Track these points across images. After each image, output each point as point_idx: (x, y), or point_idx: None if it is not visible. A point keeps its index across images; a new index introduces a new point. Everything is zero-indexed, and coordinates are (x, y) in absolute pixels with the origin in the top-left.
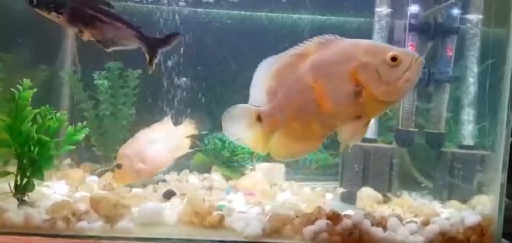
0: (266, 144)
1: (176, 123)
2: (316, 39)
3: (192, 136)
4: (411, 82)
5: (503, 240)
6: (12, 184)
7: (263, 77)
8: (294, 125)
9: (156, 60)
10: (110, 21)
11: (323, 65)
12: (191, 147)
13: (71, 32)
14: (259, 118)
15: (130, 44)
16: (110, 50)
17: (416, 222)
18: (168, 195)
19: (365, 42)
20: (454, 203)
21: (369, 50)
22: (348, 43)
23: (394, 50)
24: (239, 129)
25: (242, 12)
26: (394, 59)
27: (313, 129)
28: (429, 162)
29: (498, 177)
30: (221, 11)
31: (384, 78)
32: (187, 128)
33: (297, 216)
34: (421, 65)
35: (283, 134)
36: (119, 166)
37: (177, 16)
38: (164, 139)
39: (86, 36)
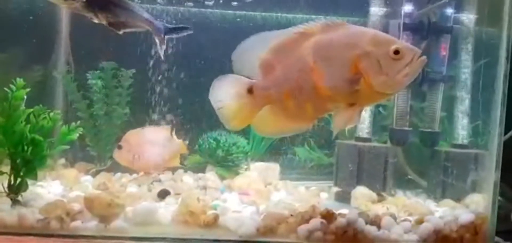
0: (251, 118)
1: (172, 130)
2: (323, 21)
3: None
4: (409, 77)
5: (496, 238)
6: (6, 184)
7: (258, 50)
8: (288, 103)
9: (163, 46)
10: (123, 4)
11: (325, 47)
12: (180, 162)
13: (64, 30)
14: (250, 90)
15: (140, 27)
16: (121, 32)
17: (410, 221)
18: (163, 194)
19: (371, 31)
20: (448, 201)
21: (373, 39)
22: (354, 29)
23: (398, 44)
24: (225, 96)
25: (237, 12)
26: (396, 52)
27: (305, 109)
28: (423, 161)
29: (492, 176)
30: (216, 10)
31: (384, 70)
32: (181, 146)
33: (291, 215)
34: (422, 63)
35: (273, 110)
36: (119, 147)
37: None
38: (162, 145)
39: (99, 19)
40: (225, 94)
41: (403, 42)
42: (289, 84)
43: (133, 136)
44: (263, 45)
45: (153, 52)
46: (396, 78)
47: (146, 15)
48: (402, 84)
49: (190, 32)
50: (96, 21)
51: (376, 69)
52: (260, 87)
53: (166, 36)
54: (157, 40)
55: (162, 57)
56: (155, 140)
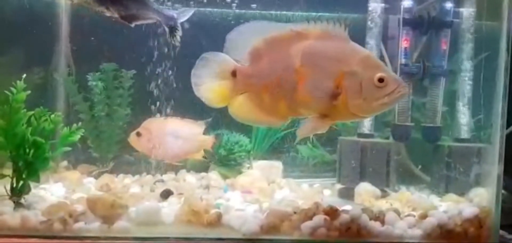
0: (228, 100)
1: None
2: (322, 26)
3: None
4: (386, 106)
5: (501, 231)
6: (8, 187)
7: (252, 36)
8: (265, 96)
9: (179, 32)
10: None
11: (315, 54)
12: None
13: (64, 33)
14: (234, 73)
15: (150, 19)
16: (133, 24)
17: (414, 216)
18: (166, 194)
19: (364, 53)
20: (452, 196)
21: (363, 62)
22: (349, 45)
23: (385, 72)
24: (208, 73)
25: (237, 11)
26: (381, 80)
27: (280, 108)
28: (426, 156)
29: (495, 169)
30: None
31: (363, 93)
32: (208, 141)
33: (295, 213)
34: (403, 96)
35: (250, 98)
36: (138, 134)
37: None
38: (186, 139)
39: (111, 13)
40: (208, 71)
41: (391, 72)
42: (270, 79)
43: (153, 125)
44: (258, 33)
45: (152, 52)
46: (372, 105)
47: (155, 5)
48: (376, 111)
49: (195, 9)
50: (108, 14)
51: (356, 91)
52: (243, 73)
53: (178, 22)
54: (167, 29)
55: (177, 44)
56: (177, 132)
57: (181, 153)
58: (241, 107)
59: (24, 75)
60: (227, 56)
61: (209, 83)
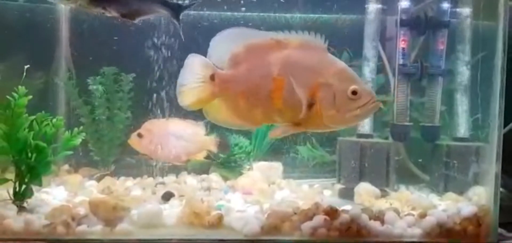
0: (205, 103)
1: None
2: (302, 37)
3: (210, 152)
4: (358, 118)
5: (499, 229)
6: (11, 191)
7: (234, 41)
8: (241, 102)
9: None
10: None
11: (293, 64)
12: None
13: (64, 36)
14: (212, 77)
15: (155, 12)
16: (137, 20)
17: (413, 215)
18: (167, 196)
19: (340, 65)
20: (451, 195)
21: (338, 74)
22: (326, 57)
23: (358, 85)
24: (188, 75)
25: (236, 13)
26: (354, 93)
27: (255, 114)
28: (425, 155)
29: (493, 168)
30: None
31: (337, 105)
32: (210, 143)
33: (295, 213)
34: (375, 109)
35: (226, 102)
36: (140, 135)
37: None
38: (187, 140)
39: (111, 13)
40: (189, 73)
41: (364, 85)
42: (247, 86)
43: (155, 126)
44: (239, 39)
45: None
46: (345, 116)
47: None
48: (349, 123)
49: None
50: (109, 15)
51: (329, 102)
52: (221, 77)
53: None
54: (176, 22)
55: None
56: (179, 132)
57: (183, 153)
58: (217, 110)
59: (23, 77)
60: (207, 60)
61: (189, 85)
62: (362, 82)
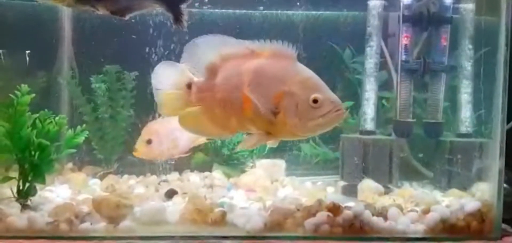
0: (179, 111)
1: None
2: (273, 47)
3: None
4: (321, 127)
5: (503, 225)
6: (15, 189)
7: (211, 50)
8: (216, 111)
9: (185, 18)
10: None
11: (261, 74)
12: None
13: (66, 35)
14: (189, 86)
15: (147, 7)
16: (127, 17)
17: (416, 211)
18: (170, 194)
19: (306, 74)
20: (455, 191)
21: (302, 83)
22: (293, 67)
23: (320, 94)
24: (166, 82)
25: (237, 11)
26: (315, 101)
27: (230, 122)
28: (428, 151)
29: (496, 164)
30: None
31: (299, 113)
32: None
33: (298, 210)
34: (339, 117)
35: (202, 111)
36: (149, 142)
37: None
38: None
39: (100, 11)
40: (165, 79)
41: (328, 94)
42: (223, 95)
43: (159, 125)
44: (215, 47)
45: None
46: (307, 124)
47: None
48: (312, 131)
49: None
50: (100, 13)
51: (292, 111)
52: (198, 87)
53: (181, 6)
54: (172, 16)
55: (185, 29)
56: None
57: (188, 142)
58: (193, 119)
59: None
60: (185, 68)
61: (165, 93)
62: (328, 91)
